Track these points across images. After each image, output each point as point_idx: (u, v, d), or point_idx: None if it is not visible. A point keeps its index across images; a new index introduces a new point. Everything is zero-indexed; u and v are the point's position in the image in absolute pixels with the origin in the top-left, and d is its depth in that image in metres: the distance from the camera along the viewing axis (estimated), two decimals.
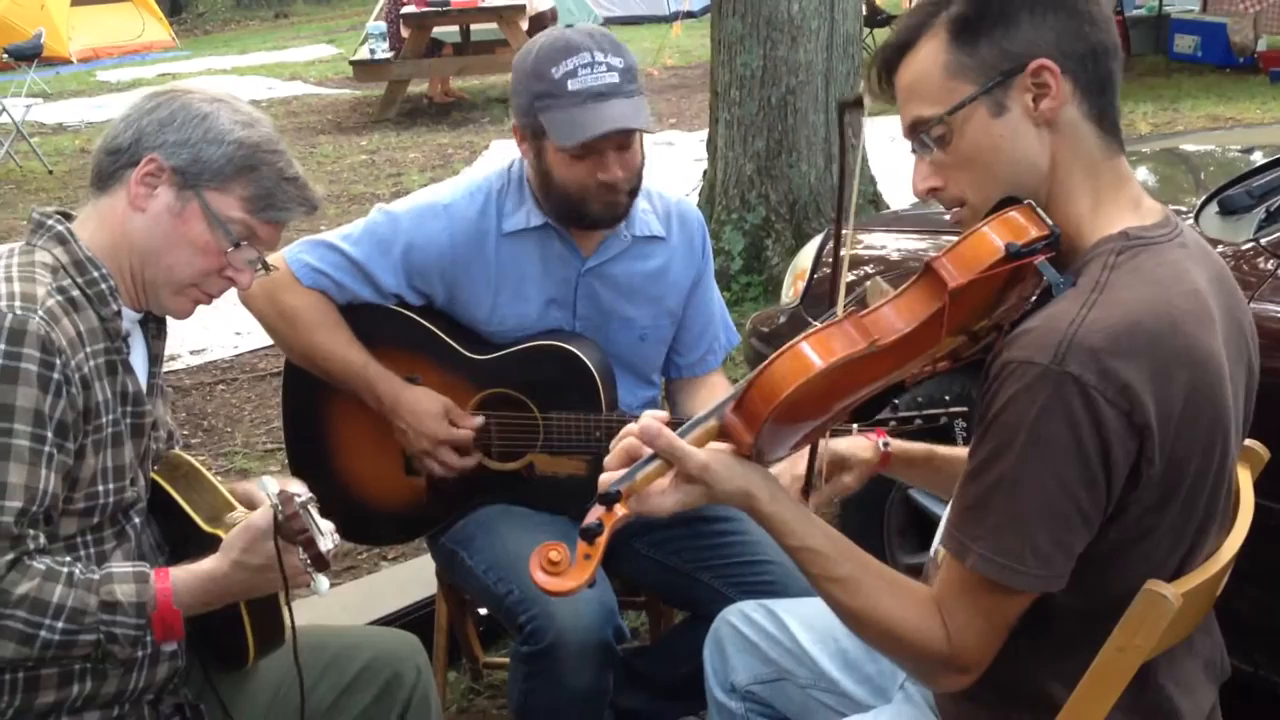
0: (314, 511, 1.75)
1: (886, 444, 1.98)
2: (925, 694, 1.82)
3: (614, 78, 2.32)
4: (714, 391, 2.66)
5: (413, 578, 3.46)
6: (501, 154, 9.89)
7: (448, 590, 2.79)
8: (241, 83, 14.42)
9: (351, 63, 12.58)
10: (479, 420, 2.50)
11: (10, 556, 1.67)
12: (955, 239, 1.51)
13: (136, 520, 1.91)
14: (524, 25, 11.50)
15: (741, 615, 2.13)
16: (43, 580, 1.68)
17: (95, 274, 1.83)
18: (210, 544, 1.82)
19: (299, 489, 1.78)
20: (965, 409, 2.20)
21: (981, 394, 1.51)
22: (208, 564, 1.79)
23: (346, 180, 9.35)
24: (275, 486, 1.77)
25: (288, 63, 16.87)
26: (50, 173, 10.24)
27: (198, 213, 1.86)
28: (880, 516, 3.15)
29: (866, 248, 3.36)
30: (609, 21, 17.00)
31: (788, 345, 1.49)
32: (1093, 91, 1.55)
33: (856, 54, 6.03)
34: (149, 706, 1.89)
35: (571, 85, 2.29)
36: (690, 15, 17.49)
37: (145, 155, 1.84)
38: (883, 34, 11.93)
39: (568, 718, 2.31)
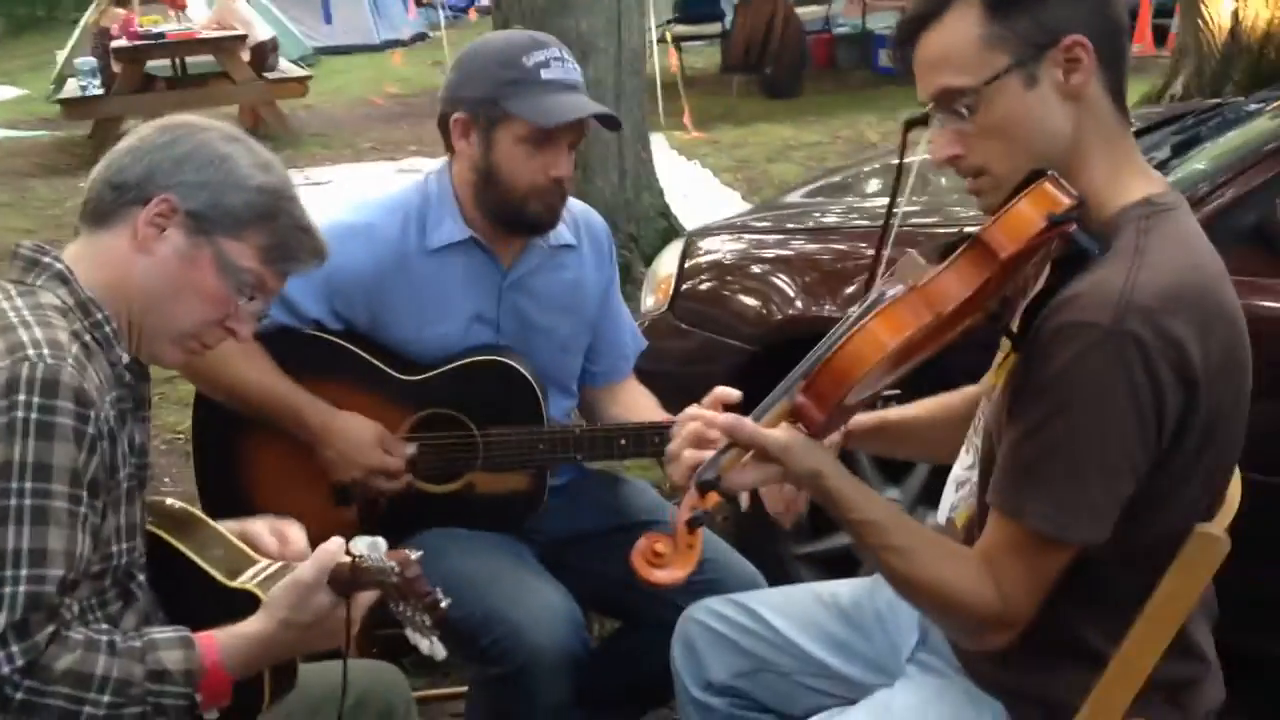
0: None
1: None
2: (945, 660, 1.87)
3: (579, 78, 2.36)
4: (634, 397, 2.66)
5: None
6: None
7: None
8: None
9: (60, 101, 11.84)
10: (411, 449, 2.42)
11: (50, 629, 1.52)
12: (987, 219, 1.55)
13: (140, 578, 1.76)
14: (245, 56, 11.15)
15: (709, 611, 2.13)
16: (84, 652, 1.54)
17: (99, 316, 1.68)
18: (240, 600, 1.70)
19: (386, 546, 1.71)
20: (898, 391, 2.28)
21: (1029, 359, 1.56)
22: (253, 625, 1.66)
23: (73, 223, 8.76)
24: (384, 546, 1.68)
25: None
26: None
27: (210, 261, 1.72)
28: None
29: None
30: (320, 51, 16.64)
31: (856, 326, 1.52)
32: (1112, 66, 1.63)
33: (641, 70, 6.14)
34: None
35: (545, 74, 2.30)
36: (401, 44, 17.36)
37: (157, 194, 1.69)
38: (662, 49, 11.63)
39: None
